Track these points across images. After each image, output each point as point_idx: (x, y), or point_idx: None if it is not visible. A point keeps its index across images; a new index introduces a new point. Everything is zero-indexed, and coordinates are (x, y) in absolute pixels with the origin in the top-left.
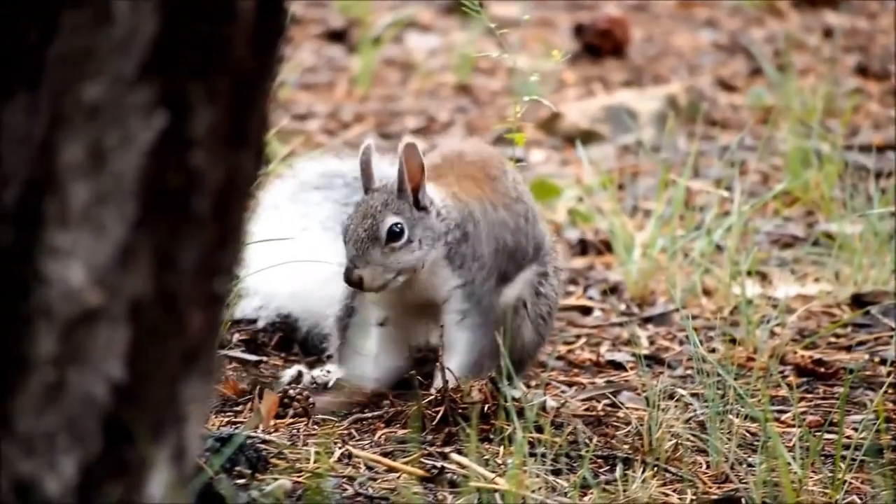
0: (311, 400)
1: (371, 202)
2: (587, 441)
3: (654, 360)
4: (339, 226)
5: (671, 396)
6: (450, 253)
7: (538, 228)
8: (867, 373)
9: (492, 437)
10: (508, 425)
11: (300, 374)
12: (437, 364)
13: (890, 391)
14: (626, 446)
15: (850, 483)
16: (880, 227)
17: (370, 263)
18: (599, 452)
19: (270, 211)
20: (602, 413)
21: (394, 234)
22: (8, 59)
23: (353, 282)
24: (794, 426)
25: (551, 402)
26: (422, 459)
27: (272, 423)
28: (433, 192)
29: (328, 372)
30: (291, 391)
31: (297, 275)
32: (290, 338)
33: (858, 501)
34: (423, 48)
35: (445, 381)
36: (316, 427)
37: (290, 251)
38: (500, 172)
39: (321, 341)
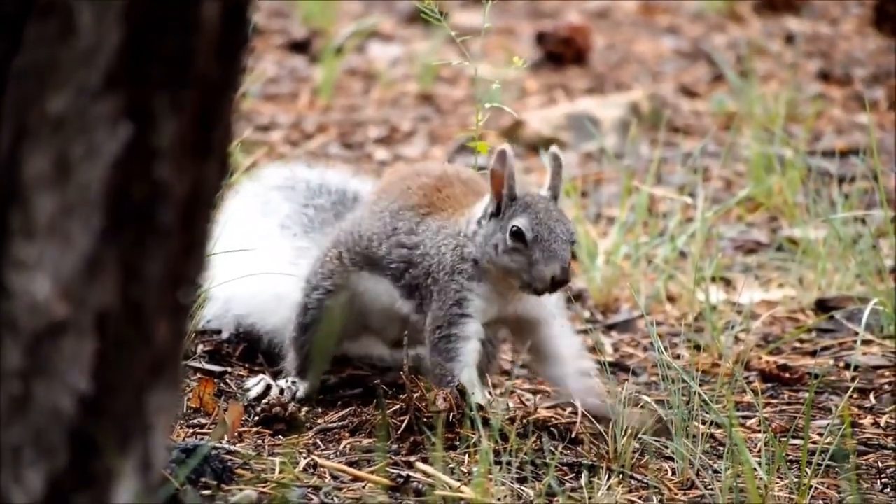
0: (290, 410)
1: (551, 207)
2: (552, 449)
3: (618, 367)
4: (299, 229)
5: (636, 403)
6: None
7: None
8: (832, 378)
9: (457, 445)
10: (474, 433)
11: (269, 386)
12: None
13: (855, 396)
14: (591, 454)
15: (816, 488)
16: (844, 231)
17: (569, 265)
18: (565, 460)
19: (234, 214)
20: (567, 421)
21: (573, 242)
22: None
23: (565, 281)
24: (759, 432)
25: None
26: (387, 468)
27: (237, 433)
28: None
29: (294, 383)
30: (272, 402)
31: (257, 287)
32: (254, 348)
33: None
34: (386, 58)
35: (411, 391)
36: (282, 438)
37: (251, 262)
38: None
39: (279, 348)
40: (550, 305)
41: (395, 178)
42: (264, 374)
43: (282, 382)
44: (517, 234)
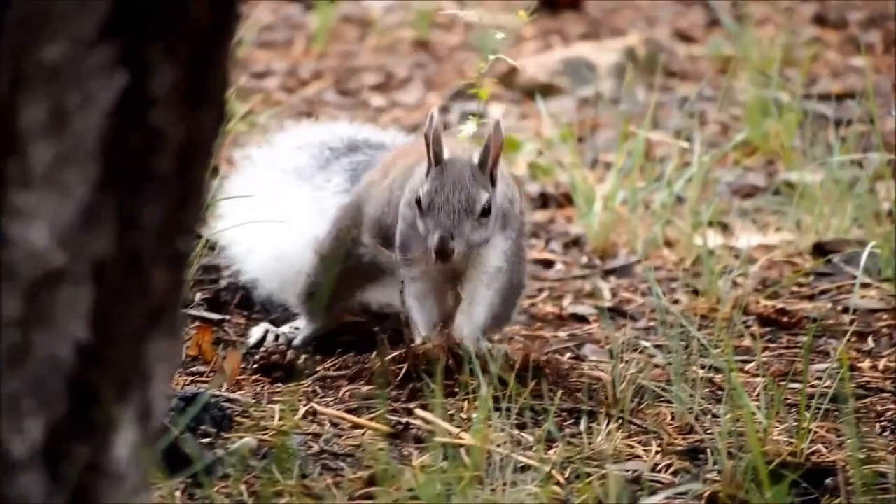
0: (289, 357)
1: (458, 174)
2: (551, 395)
3: (616, 313)
4: (315, 170)
5: (635, 349)
6: (501, 222)
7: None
8: (830, 321)
9: (456, 391)
10: (473, 380)
11: (267, 332)
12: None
13: (853, 339)
14: (590, 399)
15: (816, 432)
16: (841, 175)
17: (461, 236)
18: (564, 406)
19: (246, 163)
20: (566, 366)
21: (485, 210)
22: None
23: (446, 253)
24: (758, 376)
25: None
26: (387, 415)
27: (236, 381)
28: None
29: (296, 329)
30: (270, 349)
31: (268, 237)
32: (251, 297)
33: (824, 450)
34: (381, 4)
35: (410, 338)
36: (281, 385)
37: (262, 210)
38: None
39: (287, 300)
40: (487, 257)
41: (400, 153)
42: (264, 321)
43: (284, 328)
44: (417, 202)
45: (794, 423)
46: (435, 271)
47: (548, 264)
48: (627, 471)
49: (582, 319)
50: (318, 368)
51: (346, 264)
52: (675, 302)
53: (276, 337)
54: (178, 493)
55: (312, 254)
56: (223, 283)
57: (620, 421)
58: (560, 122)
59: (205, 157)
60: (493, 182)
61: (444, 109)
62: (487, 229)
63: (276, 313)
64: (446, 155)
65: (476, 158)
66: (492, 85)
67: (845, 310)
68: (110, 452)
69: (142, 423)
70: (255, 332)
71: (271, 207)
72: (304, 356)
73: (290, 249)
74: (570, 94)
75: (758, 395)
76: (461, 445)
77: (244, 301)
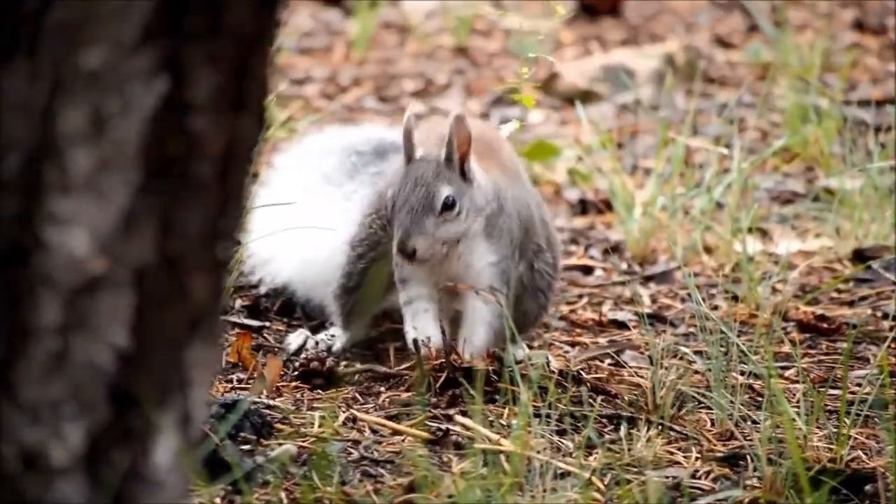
0: (328, 364)
1: (421, 171)
2: (591, 401)
3: (656, 319)
4: (343, 177)
5: (674, 355)
6: (487, 226)
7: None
8: (869, 327)
9: (496, 398)
10: (513, 387)
11: (307, 339)
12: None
13: (893, 345)
14: (630, 406)
15: (855, 438)
16: (880, 181)
17: (423, 234)
18: (604, 412)
19: (275, 170)
20: (605, 373)
21: (447, 205)
22: (6, 27)
23: (408, 252)
24: (797, 382)
25: (555, 363)
26: (426, 422)
27: (275, 388)
28: (474, 164)
29: (332, 336)
30: (311, 356)
31: (297, 243)
32: (292, 303)
33: (863, 456)
34: (420, 10)
35: (450, 345)
36: (321, 392)
37: (292, 216)
38: (500, 146)
39: (320, 308)
40: (479, 265)
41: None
42: (303, 328)
43: (322, 335)
44: (387, 202)
45: (834, 430)
46: (428, 283)
47: (587, 270)
48: (667, 477)
49: (622, 326)
50: (357, 376)
51: (376, 255)
52: (715, 308)
53: (316, 343)
54: (218, 500)
55: (346, 250)
56: (263, 289)
57: (660, 427)
58: (599, 129)
59: (245, 164)
60: (465, 178)
61: (485, 116)
62: (458, 224)
63: (316, 320)
64: (419, 153)
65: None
66: (530, 89)
67: (885, 315)
68: (150, 459)
69: (182, 429)
70: (295, 339)
71: (301, 213)
72: (343, 363)
73: (321, 255)
74: (610, 100)
75: (797, 402)
76: (501, 452)
77: (284, 308)
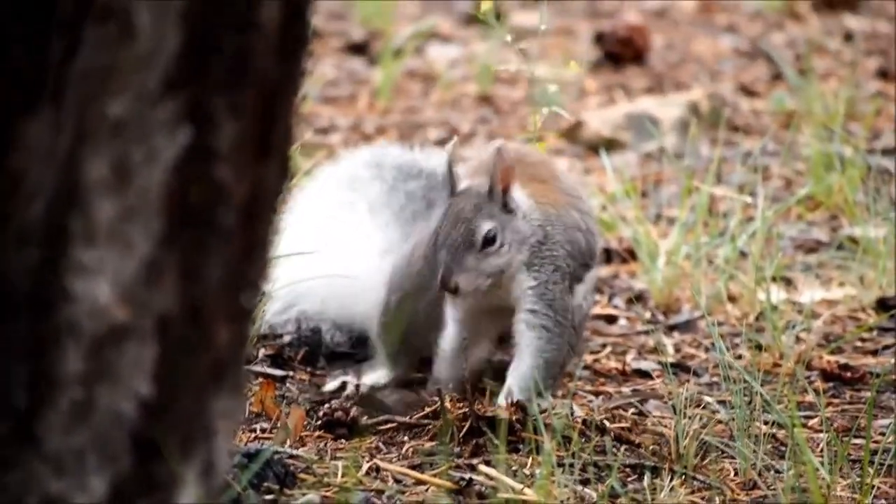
0: (352, 414)
1: (462, 206)
2: (615, 450)
3: (680, 368)
4: (386, 209)
5: (698, 404)
6: (531, 256)
7: (597, 228)
8: (893, 376)
9: (520, 447)
10: (536, 436)
11: (345, 384)
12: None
13: None
14: (653, 455)
15: (879, 488)
16: None
17: (465, 271)
18: (627, 461)
19: (317, 192)
20: (629, 422)
21: (488, 240)
22: (31, 75)
23: (450, 288)
24: (821, 431)
25: (578, 412)
26: (450, 471)
27: (299, 437)
28: (517, 195)
29: (375, 377)
30: (334, 406)
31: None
32: (315, 352)
33: None
34: (445, 59)
35: (473, 395)
36: (344, 441)
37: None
38: (559, 172)
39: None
40: (518, 291)
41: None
42: (344, 374)
43: (365, 379)
44: (429, 238)
45: (858, 479)
46: (478, 313)
47: (611, 319)
48: None
49: (645, 375)
50: (380, 426)
51: (419, 289)
52: (739, 357)
53: (357, 387)
54: None
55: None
56: (287, 338)
57: (684, 476)
58: (623, 177)
59: (269, 213)
60: (506, 209)
61: None
62: (500, 256)
63: (346, 368)
64: (461, 186)
65: (480, 188)
66: (553, 138)
67: None
68: None
69: (205, 479)
70: (332, 384)
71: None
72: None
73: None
74: (634, 148)
75: (821, 451)
76: (525, 502)
77: (308, 357)
